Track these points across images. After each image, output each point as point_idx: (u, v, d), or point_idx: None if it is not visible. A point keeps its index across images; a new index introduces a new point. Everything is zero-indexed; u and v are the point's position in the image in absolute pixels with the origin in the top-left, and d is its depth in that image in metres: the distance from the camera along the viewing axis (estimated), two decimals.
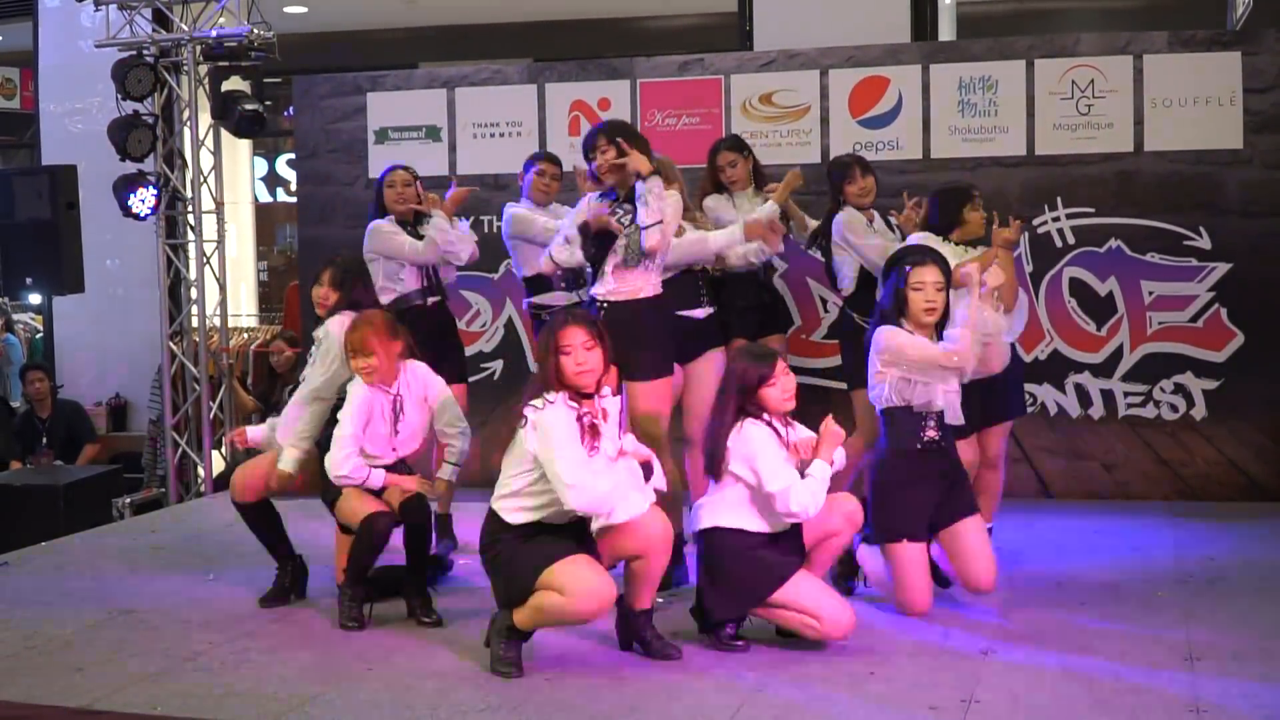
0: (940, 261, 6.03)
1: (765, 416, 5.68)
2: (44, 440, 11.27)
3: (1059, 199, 8.50)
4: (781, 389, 5.68)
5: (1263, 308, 8.20)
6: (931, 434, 6.02)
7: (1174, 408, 8.49)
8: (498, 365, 9.22)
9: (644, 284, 6.24)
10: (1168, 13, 15.19)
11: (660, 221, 6.07)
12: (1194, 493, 8.38)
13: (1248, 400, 8.28)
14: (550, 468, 5.28)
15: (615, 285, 6.22)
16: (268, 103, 10.10)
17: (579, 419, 5.37)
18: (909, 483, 6.03)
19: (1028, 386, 8.56)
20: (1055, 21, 15.87)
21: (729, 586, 5.67)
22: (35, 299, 13.43)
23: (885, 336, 5.97)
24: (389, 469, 6.27)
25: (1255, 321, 8.23)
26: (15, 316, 15.44)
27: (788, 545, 5.71)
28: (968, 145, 8.71)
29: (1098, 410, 8.49)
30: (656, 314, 6.31)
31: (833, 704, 5.01)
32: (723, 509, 5.70)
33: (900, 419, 6.03)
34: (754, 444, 5.61)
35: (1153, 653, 5.50)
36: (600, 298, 6.25)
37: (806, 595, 5.61)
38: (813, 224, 7.56)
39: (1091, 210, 8.42)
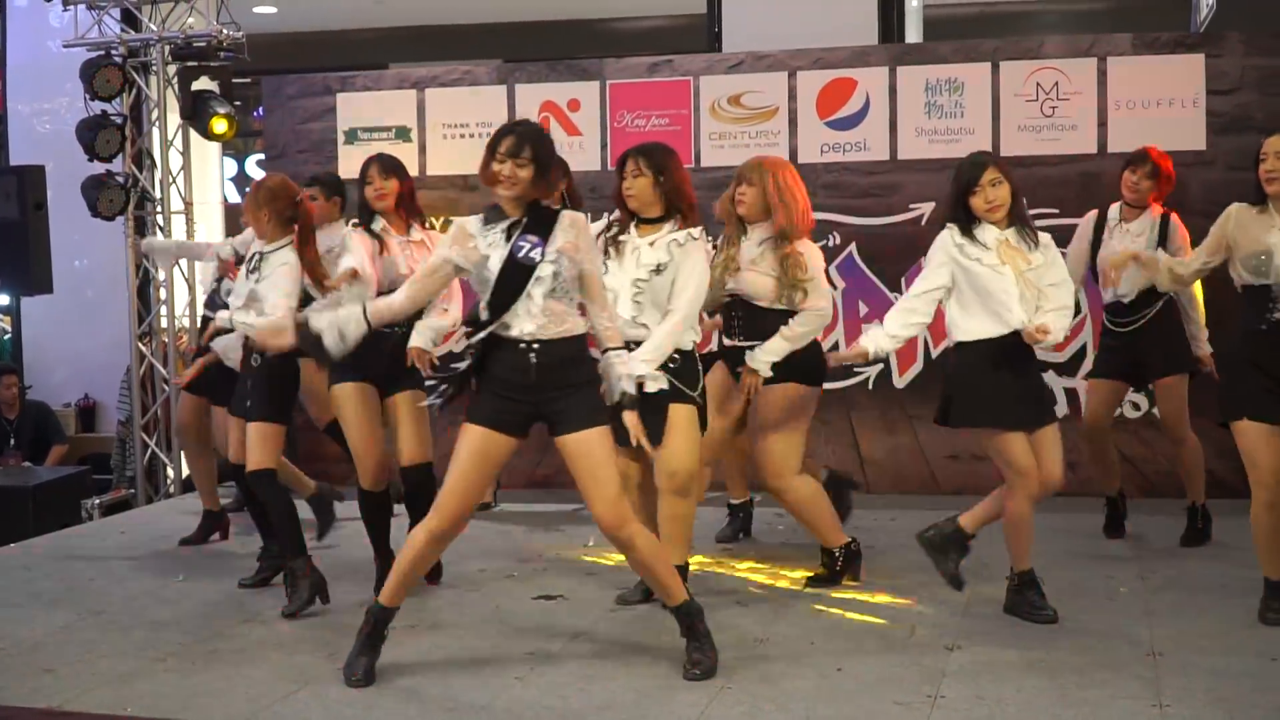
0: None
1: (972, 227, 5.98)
2: (11, 441, 11.22)
3: (1024, 200, 8.54)
4: (984, 199, 5.92)
5: (1226, 311, 8.23)
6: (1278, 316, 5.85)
7: (1136, 406, 8.56)
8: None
9: (576, 319, 5.40)
10: (1132, 15, 15.28)
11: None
12: (1157, 490, 8.45)
13: (1210, 399, 8.29)
14: None
15: (545, 320, 5.23)
16: (237, 103, 10.08)
17: (602, 233, 6.08)
18: (1247, 363, 5.89)
19: None
20: (1021, 24, 15.93)
21: (974, 396, 5.88)
22: (3, 300, 13.36)
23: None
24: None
25: (1219, 324, 8.26)
26: None
27: (1036, 396, 6.01)
28: (934, 146, 8.76)
29: (1061, 409, 8.51)
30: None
31: (800, 700, 5.04)
32: (960, 324, 5.94)
33: (1251, 297, 5.92)
34: (932, 249, 6.03)
35: (1116, 648, 5.56)
36: (529, 337, 5.23)
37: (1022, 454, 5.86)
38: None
39: (1056, 211, 8.46)
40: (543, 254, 5.19)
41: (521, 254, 5.20)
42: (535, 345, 5.20)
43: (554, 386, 5.23)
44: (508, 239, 5.23)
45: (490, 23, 17.28)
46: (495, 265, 5.22)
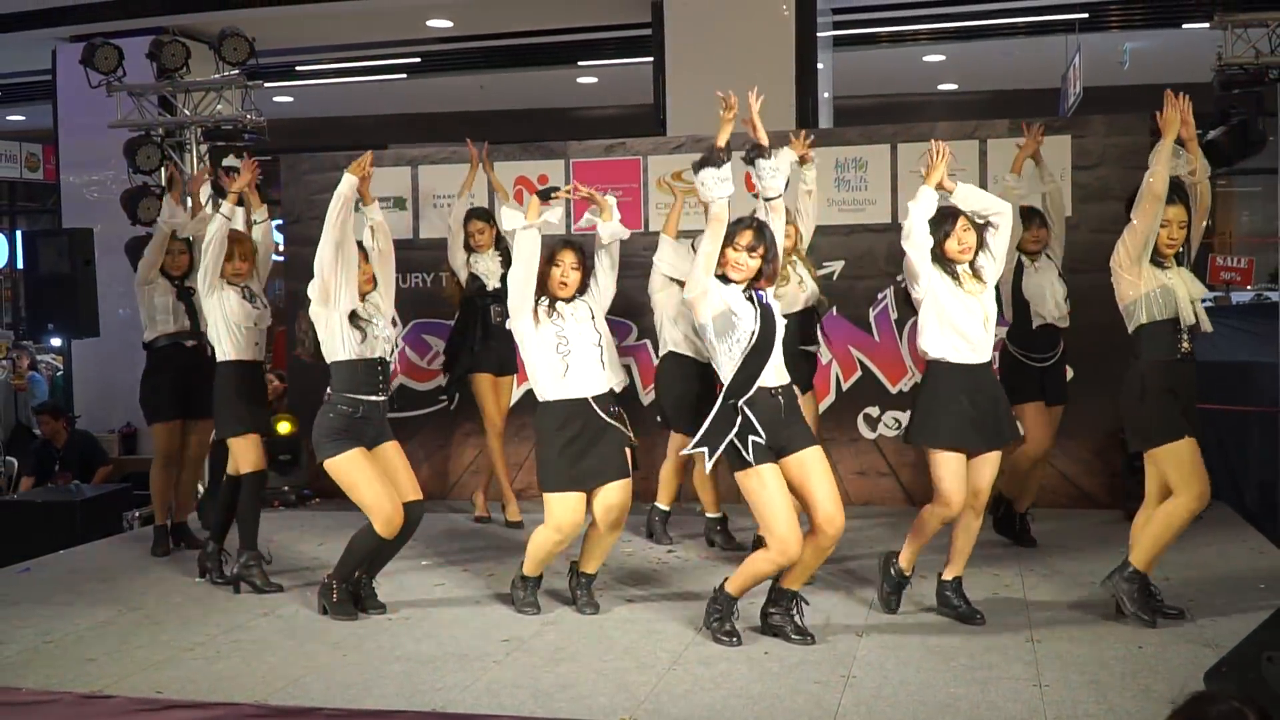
0: (1176, 201, 5.55)
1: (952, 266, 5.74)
2: (57, 466, 11.10)
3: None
4: (958, 241, 5.68)
5: (1089, 347, 8.27)
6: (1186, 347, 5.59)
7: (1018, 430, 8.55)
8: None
9: None
10: (1010, 103, 15.44)
11: None
12: (1034, 501, 8.43)
13: (1078, 424, 8.33)
14: None
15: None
16: (262, 176, 10.00)
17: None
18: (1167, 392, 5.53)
19: (893, 414, 8.65)
20: (915, 112, 16.08)
21: (937, 415, 5.70)
22: (56, 342, 13.26)
23: None
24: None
25: (1084, 358, 8.29)
26: (39, 357, 15.25)
27: (991, 430, 5.72)
28: (843, 214, 8.77)
29: None
30: None
31: (734, 679, 5.02)
32: (928, 342, 5.84)
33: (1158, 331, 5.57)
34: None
35: (1000, 636, 5.55)
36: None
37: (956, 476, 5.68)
38: None
39: None
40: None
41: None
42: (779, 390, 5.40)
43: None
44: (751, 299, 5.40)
45: (473, 110, 17.36)
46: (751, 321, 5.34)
